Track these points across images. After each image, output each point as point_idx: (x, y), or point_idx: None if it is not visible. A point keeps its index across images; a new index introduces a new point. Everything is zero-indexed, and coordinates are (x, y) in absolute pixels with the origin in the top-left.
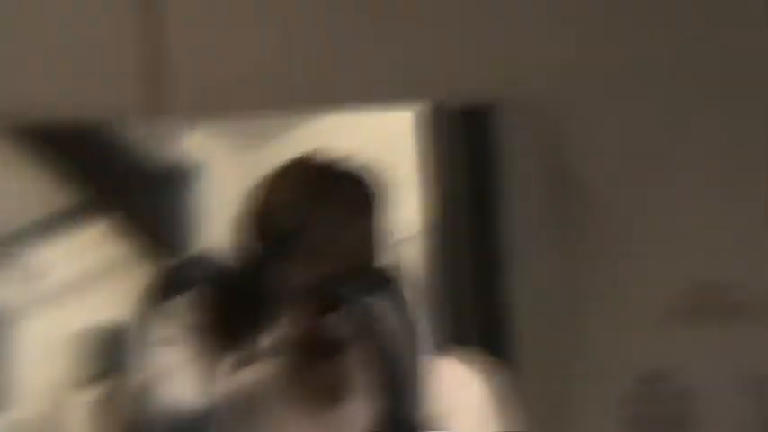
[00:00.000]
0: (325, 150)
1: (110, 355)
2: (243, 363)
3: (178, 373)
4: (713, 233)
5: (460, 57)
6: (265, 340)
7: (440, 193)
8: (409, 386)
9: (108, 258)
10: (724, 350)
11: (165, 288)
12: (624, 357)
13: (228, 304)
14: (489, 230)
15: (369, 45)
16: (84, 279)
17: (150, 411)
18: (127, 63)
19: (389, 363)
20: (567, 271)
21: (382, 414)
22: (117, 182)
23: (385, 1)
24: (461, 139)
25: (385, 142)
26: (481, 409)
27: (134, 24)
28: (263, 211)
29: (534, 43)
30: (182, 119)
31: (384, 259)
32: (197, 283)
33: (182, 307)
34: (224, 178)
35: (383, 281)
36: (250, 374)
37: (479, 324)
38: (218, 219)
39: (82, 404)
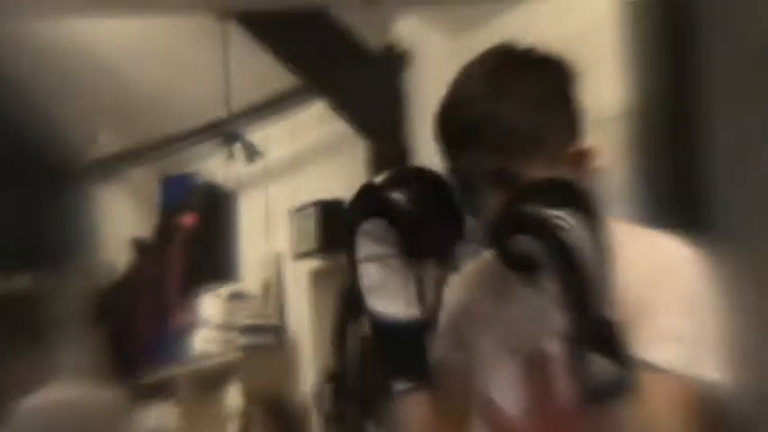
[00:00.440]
0: (527, 37)
1: (327, 230)
2: (447, 271)
3: (389, 288)
4: None
5: None
6: (463, 250)
7: (642, 77)
8: (601, 289)
9: (324, 138)
10: None
11: (366, 210)
12: None
13: (427, 222)
14: (690, 115)
15: None
16: (301, 158)
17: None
18: None
19: (581, 272)
20: None
21: (575, 316)
22: (333, 66)
23: None
24: (664, 23)
25: (589, 26)
26: (691, 293)
27: None
28: (449, 104)
29: None
30: (396, 5)
31: (579, 144)
32: (397, 203)
33: (384, 227)
34: (436, 63)
35: (574, 195)
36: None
37: (680, 210)
38: (428, 103)
39: (302, 275)
